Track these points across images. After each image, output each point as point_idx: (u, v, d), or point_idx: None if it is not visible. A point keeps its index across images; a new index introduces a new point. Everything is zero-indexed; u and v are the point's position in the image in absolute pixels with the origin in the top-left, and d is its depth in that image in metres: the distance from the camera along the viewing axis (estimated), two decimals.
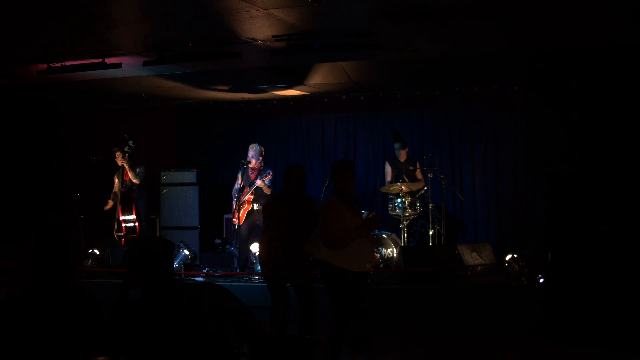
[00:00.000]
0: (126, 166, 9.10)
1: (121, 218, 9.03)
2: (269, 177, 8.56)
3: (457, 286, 7.58)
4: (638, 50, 6.64)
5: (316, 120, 11.09)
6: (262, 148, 8.89)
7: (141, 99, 9.92)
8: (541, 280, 7.18)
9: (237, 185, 8.78)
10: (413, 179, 9.12)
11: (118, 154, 9.11)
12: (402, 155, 9.30)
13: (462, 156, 10.32)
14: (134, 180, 9.13)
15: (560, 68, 6.88)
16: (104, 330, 2.90)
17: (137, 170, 9.18)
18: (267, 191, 8.55)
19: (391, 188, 8.92)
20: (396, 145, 9.36)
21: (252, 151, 8.78)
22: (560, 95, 6.79)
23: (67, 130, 10.39)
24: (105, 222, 9.32)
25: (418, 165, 9.26)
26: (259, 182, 8.50)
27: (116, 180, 9.28)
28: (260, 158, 8.80)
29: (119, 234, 9.01)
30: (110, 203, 9.27)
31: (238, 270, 8.57)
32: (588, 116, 6.71)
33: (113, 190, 9.31)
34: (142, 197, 9.29)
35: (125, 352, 2.89)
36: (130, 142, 9.10)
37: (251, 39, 6.41)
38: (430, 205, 8.78)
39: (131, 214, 9.05)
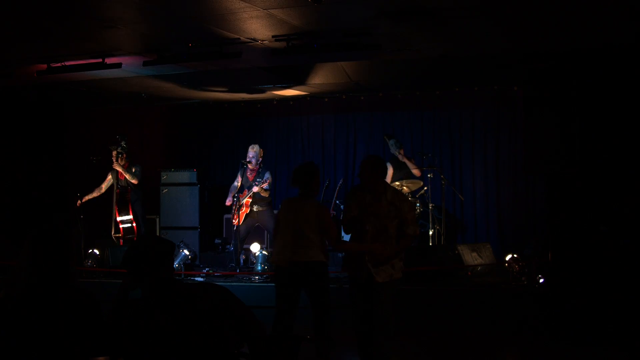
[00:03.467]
0: (119, 169, 8.84)
1: (118, 219, 8.89)
2: (268, 181, 8.49)
3: (457, 286, 7.58)
4: (638, 51, 6.64)
5: (316, 120, 11.09)
6: (262, 150, 8.87)
7: (141, 99, 9.91)
8: (541, 280, 7.18)
9: (235, 183, 8.78)
10: (413, 177, 9.07)
11: (114, 153, 8.86)
12: (401, 152, 9.19)
13: (462, 156, 10.32)
14: (132, 181, 8.86)
15: (561, 68, 6.89)
16: (104, 330, 2.90)
17: (133, 169, 8.93)
18: (264, 195, 8.55)
19: None
20: (390, 142, 9.27)
21: (252, 151, 8.77)
22: (560, 95, 6.80)
23: (67, 130, 10.38)
24: (105, 222, 9.30)
25: (413, 162, 9.12)
26: (255, 189, 8.43)
27: (108, 177, 9.03)
28: (260, 159, 8.79)
29: (117, 235, 8.94)
30: (86, 198, 8.94)
31: (238, 270, 8.58)
32: (588, 116, 6.72)
33: (101, 186, 9.04)
34: (139, 198, 9.09)
35: (125, 352, 2.89)
36: (123, 143, 8.82)
37: (251, 39, 6.40)
38: (430, 205, 8.77)
39: (128, 214, 8.93)
